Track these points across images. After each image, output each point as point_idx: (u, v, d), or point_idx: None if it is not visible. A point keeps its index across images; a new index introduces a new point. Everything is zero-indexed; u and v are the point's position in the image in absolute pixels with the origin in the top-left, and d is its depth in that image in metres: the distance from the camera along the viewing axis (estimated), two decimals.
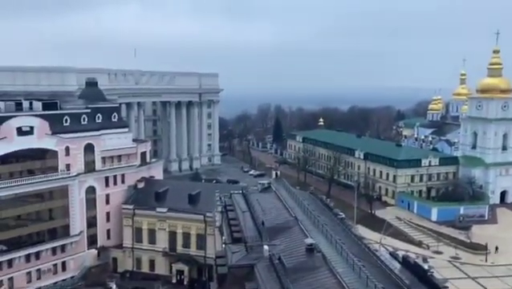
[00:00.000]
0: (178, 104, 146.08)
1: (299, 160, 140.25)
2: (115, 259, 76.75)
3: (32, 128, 68.52)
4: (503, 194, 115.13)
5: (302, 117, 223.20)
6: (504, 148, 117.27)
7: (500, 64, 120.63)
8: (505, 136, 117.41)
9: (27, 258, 68.64)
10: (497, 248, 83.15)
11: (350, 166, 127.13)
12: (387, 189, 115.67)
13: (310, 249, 46.44)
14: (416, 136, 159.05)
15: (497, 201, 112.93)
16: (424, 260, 76.71)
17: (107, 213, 78.30)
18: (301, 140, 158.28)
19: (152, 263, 75.55)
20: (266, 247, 47.83)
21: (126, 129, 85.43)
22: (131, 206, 76.05)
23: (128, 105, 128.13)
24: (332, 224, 72.15)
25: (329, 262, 45.18)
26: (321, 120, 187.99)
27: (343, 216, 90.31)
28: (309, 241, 48.88)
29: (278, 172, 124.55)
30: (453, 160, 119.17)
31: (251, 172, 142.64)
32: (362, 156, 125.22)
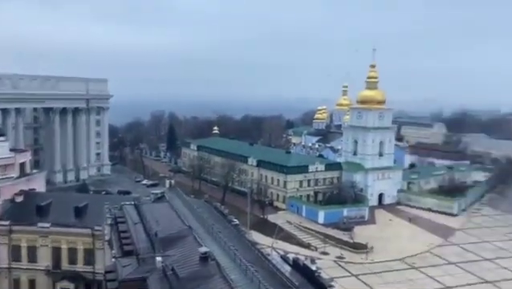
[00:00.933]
0: (63, 111, 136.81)
1: (194, 169, 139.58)
2: None
3: None
4: (380, 196, 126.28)
5: (197, 125, 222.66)
6: (380, 154, 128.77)
7: (376, 78, 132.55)
8: (381, 144, 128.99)
9: None
10: (372, 247, 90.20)
11: (244, 173, 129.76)
12: (278, 195, 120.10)
13: (205, 257, 46.37)
14: (303, 143, 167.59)
15: (376, 202, 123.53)
16: (313, 261, 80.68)
17: None
18: (196, 148, 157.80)
19: (32, 283, 69.27)
20: (158, 258, 46.68)
21: (2, 138, 77.74)
22: (7, 222, 69.00)
23: (5, 111, 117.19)
24: (226, 231, 72.88)
25: (223, 269, 45.52)
26: (216, 128, 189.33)
27: (237, 222, 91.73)
28: (203, 249, 48.81)
29: (172, 182, 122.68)
30: (337, 166, 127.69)
31: (144, 182, 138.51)
32: (255, 164, 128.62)
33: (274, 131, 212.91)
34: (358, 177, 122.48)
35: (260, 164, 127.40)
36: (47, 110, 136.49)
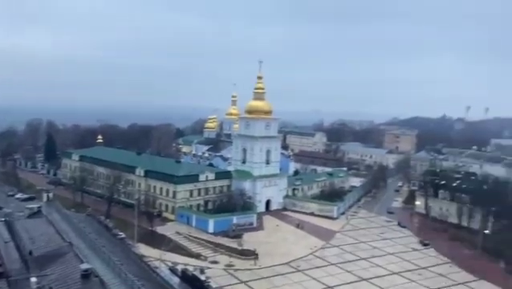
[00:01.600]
0: None
1: (76, 180, 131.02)
2: None
3: None
4: (268, 203, 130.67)
5: (79, 134, 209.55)
6: (267, 162, 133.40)
7: (263, 89, 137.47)
8: (268, 152, 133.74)
9: None
10: (257, 254, 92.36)
11: (130, 184, 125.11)
12: (167, 205, 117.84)
13: (86, 275, 43.76)
14: (194, 152, 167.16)
15: (263, 209, 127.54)
16: (202, 271, 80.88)
17: None
18: (78, 159, 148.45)
19: None
20: (33, 279, 42.93)
21: None
22: None
23: None
24: (111, 245, 69.61)
25: (107, 286, 43.39)
26: (100, 137, 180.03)
27: (123, 236, 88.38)
28: (84, 266, 46.00)
29: (51, 195, 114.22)
30: (227, 174, 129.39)
31: (18, 196, 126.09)
32: (142, 174, 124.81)
33: (163, 140, 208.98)
34: (247, 185, 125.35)
35: (148, 174, 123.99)
36: None
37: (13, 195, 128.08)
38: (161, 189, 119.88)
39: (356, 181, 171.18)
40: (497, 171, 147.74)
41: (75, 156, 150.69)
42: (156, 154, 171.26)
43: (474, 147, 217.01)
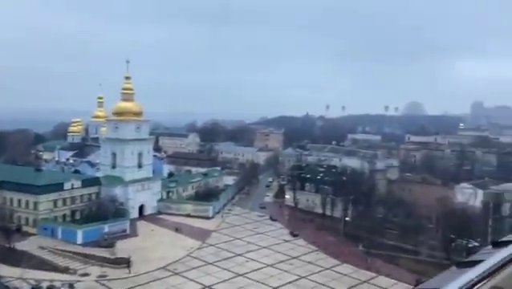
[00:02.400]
0: None
1: None
2: None
3: None
4: (141, 208, 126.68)
5: None
6: (140, 165, 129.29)
7: (132, 90, 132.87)
8: (140, 155, 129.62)
9: None
10: (131, 261, 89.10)
11: None
12: (27, 218, 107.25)
13: None
14: (57, 159, 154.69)
15: (137, 214, 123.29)
16: (71, 286, 75.50)
17: None
18: None
19: None
20: None
21: None
22: None
23: None
24: None
25: None
26: None
27: None
28: None
29: None
30: (95, 181, 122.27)
31: None
32: None
33: (19, 147, 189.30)
34: (118, 191, 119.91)
35: (3, 185, 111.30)
36: None
37: None
38: (19, 200, 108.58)
39: (230, 180, 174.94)
40: (353, 163, 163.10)
41: None
42: (12, 163, 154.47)
43: (334, 142, 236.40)
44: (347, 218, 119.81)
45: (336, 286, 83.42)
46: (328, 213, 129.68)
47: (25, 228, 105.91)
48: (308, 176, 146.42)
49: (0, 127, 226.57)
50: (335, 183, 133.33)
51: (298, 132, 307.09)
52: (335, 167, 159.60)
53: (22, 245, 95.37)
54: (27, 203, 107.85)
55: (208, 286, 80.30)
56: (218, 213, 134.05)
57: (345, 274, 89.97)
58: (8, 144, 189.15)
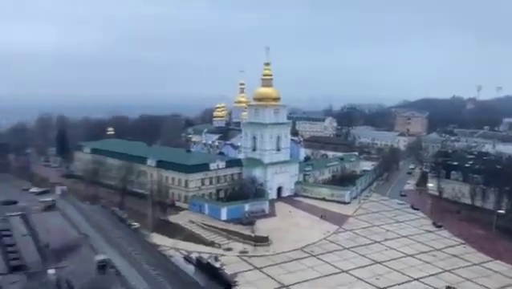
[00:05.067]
0: None
1: (88, 173, 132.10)
2: None
3: None
4: (279, 190, 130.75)
5: (89, 127, 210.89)
6: (278, 149, 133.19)
7: (271, 75, 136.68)
8: (278, 139, 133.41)
9: None
10: (269, 240, 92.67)
11: (143, 175, 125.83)
12: (180, 195, 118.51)
13: (102, 266, 44.39)
14: (204, 141, 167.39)
15: (275, 196, 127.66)
16: (216, 259, 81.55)
17: None
18: (89, 151, 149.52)
19: None
20: (50, 271, 43.67)
21: None
22: None
23: None
24: (126, 236, 70.47)
25: (123, 276, 43.92)
26: (110, 129, 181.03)
27: (138, 226, 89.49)
28: (100, 257, 46.65)
29: (65, 188, 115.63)
30: (237, 163, 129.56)
31: (32, 190, 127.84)
32: (154, 164, 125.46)
33: (173, 130, 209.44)
34: (257, 172, 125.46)
35: (160, 164, 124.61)
36: None
37: (27, 189, 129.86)
38: (173, 178, 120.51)
39: (368, 165, 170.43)
40: (510, 150, 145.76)
41: (87, 149, 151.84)
42: (166, 145, 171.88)
43: (486, 127, 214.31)
44: (500, 211, 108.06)
45: (486, 284, 76.31)
46: (478, 204, 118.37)
47: (178, 203, 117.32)
48: (455, 163, 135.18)
49: (157, 112, 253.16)
50: (487, 172, 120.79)
51: (443, 115, 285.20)
52: (487, 154, 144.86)
53: (175, 218, 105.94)
54: (179, 181, 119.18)
55: (344, 271, 79.95)
56: (355, 198, 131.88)
57: (497, 272, 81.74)
58: (163, 128, 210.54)
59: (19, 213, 69.68)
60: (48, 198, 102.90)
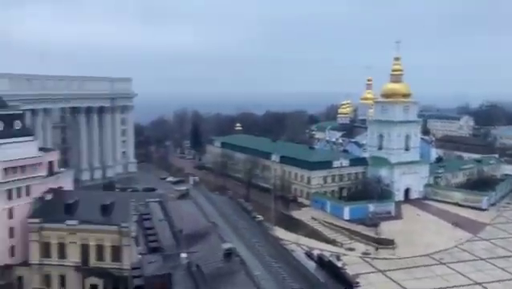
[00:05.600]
0: (89, 110, 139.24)
1: (217, 165, 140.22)
2: (20, 278, 70.96)
3: None
4: (407, 191, 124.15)
5: (220, 122, 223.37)
6: (406, 148, 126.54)
7: (401, 70, 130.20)
8: (407, 137, 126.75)
9: None
10: (394, 243, 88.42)
11: (267, 169, 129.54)
12: (302, 191, 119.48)
13: (228, 254, 46.66)
14: (327, 138, 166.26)
15: (402, 198, 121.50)
16: (338, 258, 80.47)
17: (11, 229, 72.16)
18: (219, 145, 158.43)
19: (62, 279, 70.84)
20: (183, 255, 47.18)
21: (30, 138, 79.43)
22: (37, 220, 70.80)
23: (33, 112, 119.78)
24: (250, 227, 73.27)
25: (247, 265, 45.70)
26: (238, 124, 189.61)
27: (261, 218, 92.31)
28: (227, 246, 49.08)
29: (197, 178, 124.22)
30: (362, 161, 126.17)
31: (169, 179, 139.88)
32: (278, 160, 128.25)
33: (296, 126, 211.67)
34: (383, 172, 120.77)
35: (283, 160, 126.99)
36: (73, 109, 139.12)
37: (165, 178, 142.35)
38: (296, 174, 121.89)
39: (510, 169, 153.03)
40: None
41: (217, 143, 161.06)
42: (290, 141, 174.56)
43: None
44: None
45: None
46: None
47: (300, 199, 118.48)
48: None
49: (281, 109, 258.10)
50: None
51: None
52: None
53: (297, 214, 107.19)
54: (302, 177, 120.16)
55: (478, 283, 73.13)
56: (494, 205, 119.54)
57: None
58: (287, 124, 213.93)
59: (157, 199, 76.61)
60: (182, 187, 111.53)
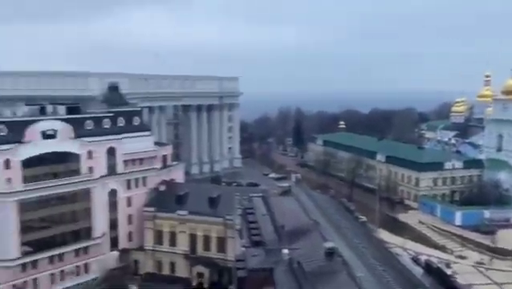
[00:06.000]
0: (199, 108, 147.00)
1: (320, 163, 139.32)
2: (136, 261, 77.35)
3: (56, 131, 69.81)
4: None
5: (323, 120, 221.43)
6: None
7: None
8: None
9: (51, 259, 69.74)
10: None
11: (371, 169, 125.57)
12: (409, 193, 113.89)
13: (330, 253, 46.23)
14: (438, 138, 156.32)
15: None
16: (448, 265, 75.50)
17: (129, 216, 79.08)
18: (322, 143, 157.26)
19: (172, 266, 75.87)
20: (285, 251, 47.76)
21: (147, 133, 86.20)
22: (152, 209, 76.68)
23: (150, 109, 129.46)
24: (353, 228, 71.78)
25: (349, 266, 44.84)
26: (342, 122, 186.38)
27: (365, 219, 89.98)
28: (329, 245, 48.66)
29: (299, 176, 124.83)
30: (478, 163, 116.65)
31: (271, 176, 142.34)
32: (383, 159, 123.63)
33: (404, 125, 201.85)
34: (503, 176, 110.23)
35: (389, 160, 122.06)
36: (185, 107, 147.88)
37: (267, 174, 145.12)
38: (403, 175, 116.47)
39: None
40: None
41: (319, 141, 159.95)
42: (397, 140, 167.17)
43: None
44: None
45: None
46: None
47: (406, 201, 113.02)
48: None
49: (388, 106, 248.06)
50: None
51: None
52: None
53: (403, 216, 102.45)
54: (409, 178, 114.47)
55: None
56: None
57: None
58: (394, 122, 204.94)
59: (260, 194, 78.37)
60: (285, 184, 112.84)
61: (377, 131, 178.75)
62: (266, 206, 69.99)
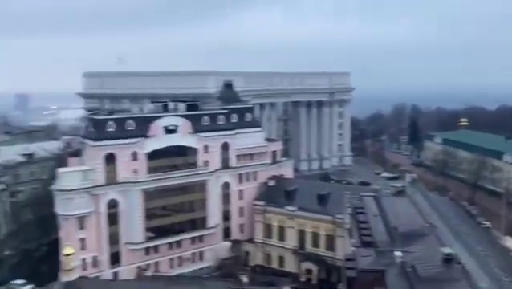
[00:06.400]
0: (308, 104, 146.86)
1: (438, 163, 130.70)
2: (247, 253, 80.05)
3: (176, 126, 74.99)
4: None
5: (441, 117, 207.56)
6: None
7: None
8: None
9: (170, 245, 75.24)
10: None
11: (497, 171, 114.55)
12: None
13: (448, 259, 43.06)
14: None
15: None
16: None
17: (240, 208, 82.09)
18: (440, 142, 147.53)
19: (281, 260, 77.14)
20: (398, 253, 45.60)
21: (259, 129, 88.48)
22: (262, 203, 78.70)
23: (261, 105, 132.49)
24: (475, 233, 66.14)
25: (470, 275, 41.40)
26: (464, 120, 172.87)
27: (489, 225, 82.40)
28: (446, 250, 45.32)
29: (414, 176, 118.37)
30: None
31: (384, 175, 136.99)
32: (511, 161, 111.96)
33: None
34: None
35: None
36: (295, 103, 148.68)
37: (379, 173, 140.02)
38: None
39: None
40: None
41: (438, 139, 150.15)
42: None
43: None
44: None
45: None
46: None
47: None
48: None
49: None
50: None
51: None
52: None
53: None
54: None
55: None
56: None
57: None
58: None
59: (372, 194, 75.73)
60: (398, 184, 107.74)
61: (505, 129, 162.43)
62: (377, 206, 67.43)
